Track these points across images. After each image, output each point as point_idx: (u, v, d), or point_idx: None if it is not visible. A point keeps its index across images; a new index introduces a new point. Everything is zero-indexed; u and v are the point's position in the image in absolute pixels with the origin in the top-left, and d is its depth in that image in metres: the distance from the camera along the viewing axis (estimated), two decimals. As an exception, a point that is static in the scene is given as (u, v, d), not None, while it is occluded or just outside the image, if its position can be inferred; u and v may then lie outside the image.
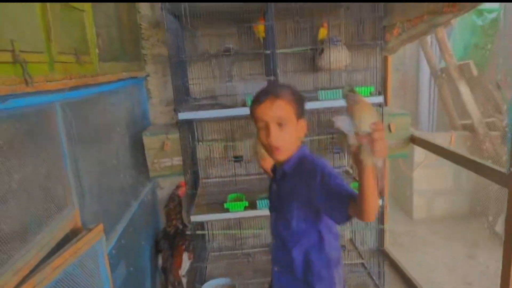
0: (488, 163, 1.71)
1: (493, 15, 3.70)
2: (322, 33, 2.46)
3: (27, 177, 1.17)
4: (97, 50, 1.83)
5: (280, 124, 1.24)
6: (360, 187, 1.04)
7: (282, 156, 1.28)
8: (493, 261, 2.88)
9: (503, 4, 3.60)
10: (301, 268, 1.33)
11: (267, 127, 1.24)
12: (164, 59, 2.77)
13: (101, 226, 1.46)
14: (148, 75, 2.77)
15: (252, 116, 1.29)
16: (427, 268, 2.83)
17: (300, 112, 1.29)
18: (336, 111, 2.62)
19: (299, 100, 1.29)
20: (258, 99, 1.27)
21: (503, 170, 1.60)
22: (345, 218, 1.17)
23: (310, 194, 1.22)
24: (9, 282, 1.02)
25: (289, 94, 1.27)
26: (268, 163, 1.54)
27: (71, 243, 1.30)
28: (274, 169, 1.42)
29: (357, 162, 1.02)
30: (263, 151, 1.39)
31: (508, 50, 3.54)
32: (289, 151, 1.28)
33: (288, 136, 1.25)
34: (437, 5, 1.99)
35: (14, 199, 1.11)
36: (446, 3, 1.92)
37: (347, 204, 1.12)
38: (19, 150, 1.15)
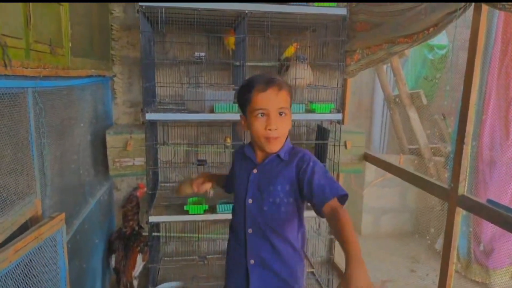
0: (433, 180, 1.88)
1: (443, 51, 4.03)
2: (290, 51, 2.59)
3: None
4: (70, 44, 1.84)
5: (280, 114, 1.24)
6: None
7: (277, 146, 1.28)
8: (431, 275, 3.09)
9: (451, 42, 3.94)
10: (283, 258, 1.31)
11: (267, 116, 1.24)
12: (131, 61, 2.79)
13: (62, 215, 1.46)
14: (114, 76, 2.78)
15: (247, 102, 1.26)
16: (373, 279, 2.97)
17: (291, 103, 1.31)
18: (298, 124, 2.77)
19: (291, 91, 1.31)
20: (260, 87, 1.24)
21: (445, 186, 1.77)
22: (322, 205, 1.17)
23: (299, 177, 1.24)
24: (-29, 259, 1.02)
25: (287, 85, 1.28)
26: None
27: (33, 228, 1.30)
28: (248, 154, 1.37)
29: None
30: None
31: (454, 83, 3.86)
32: (283, 141, 1.30)
33: (286, 126, 1.27)
34: (394, 35, 2.18)
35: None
36: (402, 36, 2.11)
37: (332, 196, 1.16)
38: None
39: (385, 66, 3.94)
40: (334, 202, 1.17)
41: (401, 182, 3.78)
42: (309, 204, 1.27)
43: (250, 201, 1.33)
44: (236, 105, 2.28)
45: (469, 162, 1.69)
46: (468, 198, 1.62)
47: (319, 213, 1.21)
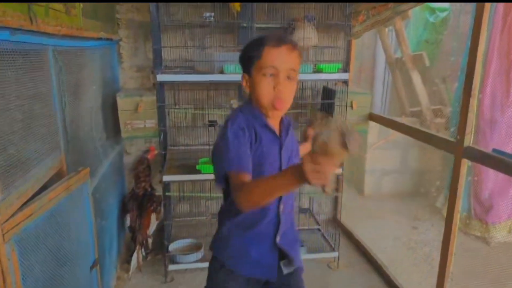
0: (439, 134, 1.94)
1: (444, 13, 4.02)
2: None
3: (26, 111, 1.22)
4: (81, 5, 1.85)
5: (288, 77, 1.14)
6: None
7: (283, 110, 1.18)
8: (432, 230, 3.21)
9: (453, 5, 3.93)
10: (295, 229, 1.35)
11: (276, 77, 1.13)
12: (136, 25, 2.79)
13: (87, 170, 1.53)
14: (120, 39, 2.78)
15: (254, 59, 1.14)
16: (376, 236, 3.09)
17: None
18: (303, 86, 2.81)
19: (302, 55, 1.21)
20: (273, 42, 1.12)
21: (452, 139, 1.83)
22: None
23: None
24: (13, 204, 1.08)
25: (299, 47, 1.18)
26: None
27: (63, 180, 1.37)
28: (271, 126, 1.21)
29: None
30: None
31: (455, 47, 3.88)
32: (288, 106, 1.19)
33: (294, 90, 1.18)
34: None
35: (16, 130, 1.16)
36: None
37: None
38: (23, 83, 1.20)
39: (387, 29, 3.94)
40: None
41: (403, 144, 3.90)
42: None
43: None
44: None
45: (475, 116, 1.75)
46: (474, 149, 1.69)
47: None
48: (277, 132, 1.22)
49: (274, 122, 1.22)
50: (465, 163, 1.76)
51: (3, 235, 1.01)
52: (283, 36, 1.17)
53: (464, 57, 3.21)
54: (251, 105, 1.20)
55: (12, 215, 1.06)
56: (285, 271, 1.30)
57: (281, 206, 1.23)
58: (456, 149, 1.77)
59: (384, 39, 3.85)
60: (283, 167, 1.21)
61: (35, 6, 1.25)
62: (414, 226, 3.30)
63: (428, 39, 4.17)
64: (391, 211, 3.63)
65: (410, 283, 2.38)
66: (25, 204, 1.15)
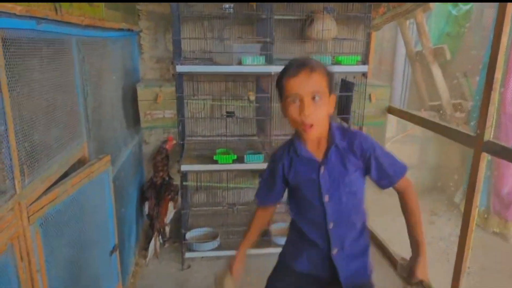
0: (459, 128, 1.92)
1: (467, 6, 3.94)
2: None
3: (50, 99, 1.26)
4: (104, -4, 1.89)
5: (314, 99, 1.17)
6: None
7: (316, 133, 1.22)
8: (449, 225, 3.18)
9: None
10: (363, 243, 1.36)
11: (301, 102, 1.18)
12: (157, 17, 2.82)
13: (109, 157, 1.57)
14: (141, 31, 2.82)
15: (281, 90, 1.22)
16: (393, 230, 3.07)
17: (331, 86, 1.23)
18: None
19: (330, 73, 1.23)
20: (291, 72, 1.19)
21: (472, 133, 1.81)
22: (390, 186, 1.33)
23: (363, 160, 1.26)
24: (37, 188, 1.13)
25: (322, 67, 1.21)
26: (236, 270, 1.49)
27: (85, 166, 1.41)
28: (305, 154, 1.30)
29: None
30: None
31: (477, 41, 3.80)
32: (322, 127, 1.24)
33: (322, 112, 1.20)
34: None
35: (40, 117, 1.20)
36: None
37: (400, 176, 1.31)
38: (48, 72, 1.23)
39: (408, 22, 3.88)
40: (403, 184, 1.35)
41: (421, 139, 3.85)
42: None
43: (326, 198, 1.29)
44: (263, 57, 2.32)
45: (496, 111, 1.72)
46: (494, 143, 1.67)
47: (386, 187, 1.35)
48: (319, 155, 1.29)
49: (315, 147, 1.29)
50: (485, 158, 1.74)
51: (28, 217, 1.06)
52: (301, 62, 1.20)
53: (486, 50, 3.15)
54: (295, 135, 1.32)
55: (37, 199, 1.11)
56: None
57: (331, 224, 1.30)
58: (476, 143, 1.75)
59: (405, 32, 3.79)
60: (324, 188, 1.28)
61: (59, -3, 1.28)
62: (431, 221, 3.28)
63: (449, 32, 4.09)
64: (409, 205, 3.60)
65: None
66: (49, 189, 1.19)
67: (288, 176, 1.33)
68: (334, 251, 1.33)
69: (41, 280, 1.11)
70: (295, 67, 1.19)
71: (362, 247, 1.37)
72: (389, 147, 3.78)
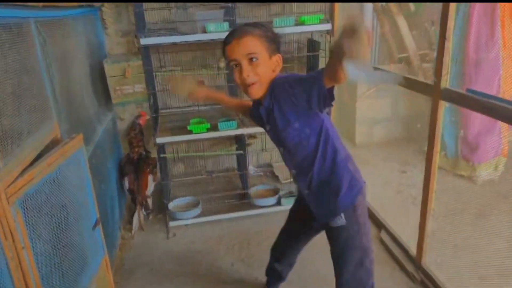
0: (418, 78, 2.00)
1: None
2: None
3: (15, 84, 1.28)
4: (58, -26, 1.86)
5: (251, 61, 1.26)
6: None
7: (257, 92, 1.31)
8: (419, 174, 3.33)
9: None
10: (334, 184, 1.40)
11: (239, 65, 1.27)
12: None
13: (81, 135, 1.60)
14: (102, 5, 2.77)
15: (225, 58, 1.32)
16: (367, 181, 3.21)
17: (273, 48, 1.29)
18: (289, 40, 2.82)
19: (269, 35, 1.29)
20: (227, 40, 1.29)
21: (430, 82, 1.90)
22: (326, 91, 1.16)
23: (293, 101, 1.25)
24: (13, 170, 1.16)
25: (257, 30, 1.27)
26: (199, 93, 1.65)
27: (59, 146, 1.44)
28: (256, 111, 1.42)
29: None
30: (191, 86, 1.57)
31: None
32: (264, 86, 1.31)
33: (260, 71, 1.27)
34: None
35: (8, 102, 1.22)
36: None
37: (321, 73, 1.15)
38: (9, 57, 1.24)
39: (373, -25, 3.88)
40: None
41: (393, 92, 3.95)
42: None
43: (281, 149, 1.44)
44: (227, 23, 2.33)
45: (452, 59, 1.80)
46: (450, 91, 1.76)
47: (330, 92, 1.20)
48: (265, 116, 1.39)
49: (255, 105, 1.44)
50: (443, 105, 1.84)
51: (7, 199, 1.10)
52: (234, 29, 1.30)
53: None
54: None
55: (14, 181, 1.15)
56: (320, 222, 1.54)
57: (293, 170, 1.48)
58: (434, 92, 1.84)
59: (370, -14, 3.80)
60: (274, 142, 1.47)
61: (11, -21, 1.28)
62: (403, 171, 3.43)
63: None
64: (382, 158, 3.74)
65: (397, 223, 2.52)
66: (25, 170, 1.23)
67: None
68: (305, 192, 1.48)
69: (27, 255, 1.17)
70: (229, 35, 1.29)
71: (333, 187, 1.41)
72: (360, 103, 3.88)
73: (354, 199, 1.45)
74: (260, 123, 1.47)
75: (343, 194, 1.42)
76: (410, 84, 2.06)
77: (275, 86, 1.32)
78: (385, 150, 3.89)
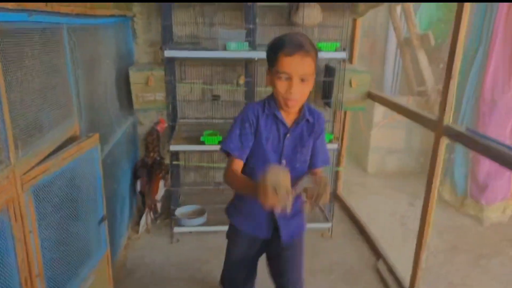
0: (424, 113, 2.06)
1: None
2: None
3: (43, 82, 1.42)
4: (95, -15, 2.02)
5: (301, 80, 1.29)
6: None
7: (296, 107, 1.38)
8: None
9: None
10: (299, 203, 1.52)
11: (289, 80, 1.29)
12: (150, 2, 2.95)
13: (97, 135, 1.72)
14: (134, 16, 2.94)
15: (273, 62, 1.31)
16: (372, 211, 3.25)
17: (316, 69, 1.35)
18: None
19: (317, 56, 1.34)
20: (287, 50, 1.26)
21: (434, 118, 1.95)
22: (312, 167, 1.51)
23: (316, 136, 1.46)
24: (30, 160, 1.29)
25: (314, 49, 1.31)
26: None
27: (75, 143, 1.57)
28: (280, 117, 1.41)
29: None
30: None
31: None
32: (301, 104, 1.39)
33: (306, 91, 1.33)
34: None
35: (34, 98, 1.35)
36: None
37: (323, 165, 1.51)
38: (40, 58, 1.38)
39: (398, 7, 3.97)
40: (319, 171, 1.50)
41: (408, 124, 3.98)
42: None
43: (284, 162, 1.44)
44: (247, 43, 2.45)
45: (455, 96, 1.85)
46: (451, 128, 1.81)
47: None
48: (288, 122, 1.43)
49: (286, 114, 1.42)
50: (444, 141, 1.89)
51: (22, 185, 1.22)
52: (298, 43, 1.28)
53: (469, 36, 3.25)
54: (272, 96, 1.41)
55: (30, 170, 1.27)
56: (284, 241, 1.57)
57: None
58: (436, 127, 1.89)
59: (394, 18, 3.89)
60: (285, 153, 1.43)
61: (50, -11, 1.42)
62: (411, 203, 3.43)
63: (440, 18, 4.18)
64: (392, 188, 3.76)
65: (395, 254, 2.53)
66: (41, 161, 1.36)
67: (257, 132, 1.41)
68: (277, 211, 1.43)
69: (33, 239, 1.28)
70: (292, 46, 1.26)
71: (299, 207, 1.54)
72: (375, 131, 3.93)
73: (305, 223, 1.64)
74: (273, 128, 1.43)
75: (302, 216, 1.61)
76: (416, 117, 2.12)
77: (317, 114, 1.47)
78: (396, 181, 3.91)
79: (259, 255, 1.71)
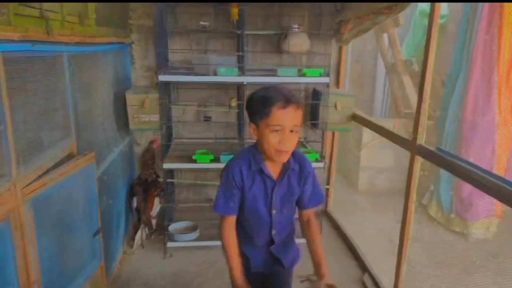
0: (399, 133, 2.21)
1: (442, 20, 4.22)
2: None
3: (44, 104, 1.56)
4: (94, 15, 2.19)
5: (292, 131, 1.33)
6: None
7: (286, 158, 1.40)
8: (415, 226, 3.43)
9: (450, 12, 4.12)
10: (292, 231, 1.62)
11: (282, 132, 1.32)
12: (147, 30, 3.13)
13: (93, 153, 1.86)
14: (132, 42, 3.12)
15: (265, 117, 1.32)
16: (361, 228, 3.35)
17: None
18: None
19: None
20: (280, 103, 1.30)
21: (409, 138, 2.09)
22: (304, 208, 1.55)
23: (303, 181, 1.49)
24: (30, 175, 1.42)
25: (302, 101, 1.44)
26: None
27: (72, 160, 1.71)
28: (266, 172, 1.44)
29: None
30: None
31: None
32: (290, 154, 1.41)
33: (295, 142, 1.37)
34: (378, 6, 2.44)
35: (35, 118, 1.49)
36: (384, 5, 2.38)
37: (317, 204, 1.55)
38: (41, 83, 1.53)
39: (385, 35, 4.17)
40: (311, 211, 1.55)
41: (396, 145, 4.11)
42: None
43: (274, 212, 1.49)
44: (236, 68, 2.61)
45: (426, 117, 1.99)
46: (422, 147, 1.94)
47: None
48: (275, 175, 1.46)
49: (272, 165, 1.45)
50: (419, 160, 2.02)
51: (22, 197, 1.35)
52: (290, 97, 1.33)
53: (451, 63, 3.43)
54: (256, 149, 1.44)
55: (29, 184, 1.40)
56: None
57: (273, 231, 1.54)
58: (411, 147, 2.03)
59: (381, 45, 4.08)
60: (274, 204, 1.48)
61: (51, 21, 1.59)
62: (398, 221, 3.52)
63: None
64: (381, 206, 3.87)
65: (381, 269, 2.63)
66: (40, 176, 1.49)
67: (244, 189, 1.45)
68: (272, 246, 1.56)
69: (32, 248, 1.40)
70: (285, 99, 1.30)
71: (291, 234, 1.64)
72: (365, 152, 4.06)
73: None
74: (259, 181, 1.47)
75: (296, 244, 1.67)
76: (393, 137, 2.26)
77: (302, 160, 1.50)
78: (385, 199, 4.01)
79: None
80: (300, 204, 1.54)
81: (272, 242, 1.56)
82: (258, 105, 1.34)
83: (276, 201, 1.48)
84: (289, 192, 1.49)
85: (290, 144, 1.34)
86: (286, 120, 1.30)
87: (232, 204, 1.46)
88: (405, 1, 2.18)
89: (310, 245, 1.52)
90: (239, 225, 1.54)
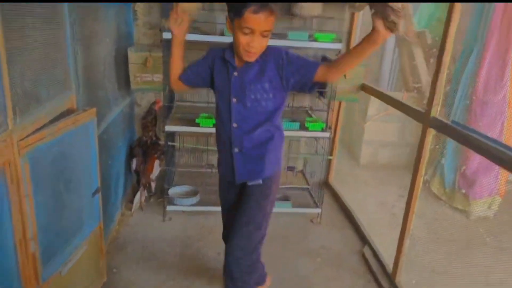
0: (413, 105, 2.12)
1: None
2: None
3: (42, 53, 1.46)
4: (98, -37, 2.06)
5: (262, 35, 1.41)
6: (360, 50, 1.40)
7: (253, 59, 1.48)
8: (418, 201, 3.41)
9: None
10: (263, 150, 1.61)
11: (252, 35, 1.40)
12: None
13: (94, 110, 1.78)
14: (136, -4, 2.98)
15: (238, 17, 1.39)
16: (362, 200, 3.32)
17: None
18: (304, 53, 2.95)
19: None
20: (254, 8, 1.36)
21: (422, 110, 2.01)
22: (312, 84, 1.51)
23: (279, 71, 1.50)
24: (27, 127, 1.34)
25: (276, 10, 1.43)
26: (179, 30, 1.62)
27: (72, 115, 1.62)
28: (228, 58, 1.54)
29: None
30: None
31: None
32: (257, 56, 1.49)
33: (265, 45, 1.46)
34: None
35: (33, 67, 1.40)
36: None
37: (316, 68, 1.48)
38: (39, 29, 1.43)
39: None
40: (322, 66, 1.49)
41: (402, 118, 4.04)
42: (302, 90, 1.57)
43: (234, 100, 1.56)
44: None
45: (450, 94, 1.91)
46: (438, 120, 1.86)
47: (315, 86, 1.53)
48: (239, 63, 1.54)
49: (239, 60, 1.53)
50: (431, 132, 1.95)
51: (19, 150, 1.28)
52: (264, 4, 1.38)
53: (464, 37, 3.30)
54: (231, 46, 1.53)
55: (26, 136, 1.32)
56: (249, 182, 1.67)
57: (234, 124, 1.58)
58: (424, 119, 1.95)
59: (394, 14, 3.92)
60: (233, 90, 1.55)
61: (53, -36, 1.47)
62: (401, 195, 3.50)
63: (439, 17, 4.20)
64: (383, 180, 3.83)
65: (381, 241, 2.61)
66: (39, 129, 1.41)
67: (214, 73, 1.61)
68: (235, 150, 1.61)
69: (28, 203, 1.34)
70: (259, 5, 1.36)
71: (261, 153, 1.62)
72: (369, 125, 3.99)
73: (273, 172, 1.69)
74: (223, 68, 1.58)
75: (267, 164, 1.64)
76: (406, 109, 2.17)
77: (270, 51, 1.52)
78: (388, 174, 3.98)
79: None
80: (310, 76, 1.50)
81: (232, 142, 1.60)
82: (236, 5, 1.40)
83: (235, 88, 1.55)
84: (252, 81, 1.52)
85: (258, 46, 1.43)
86: (257, 24, 1.38)
87: (190, 72, 1.66)
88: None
89: (352, 52, 1.46)
90: (216, 133, 1.72)
